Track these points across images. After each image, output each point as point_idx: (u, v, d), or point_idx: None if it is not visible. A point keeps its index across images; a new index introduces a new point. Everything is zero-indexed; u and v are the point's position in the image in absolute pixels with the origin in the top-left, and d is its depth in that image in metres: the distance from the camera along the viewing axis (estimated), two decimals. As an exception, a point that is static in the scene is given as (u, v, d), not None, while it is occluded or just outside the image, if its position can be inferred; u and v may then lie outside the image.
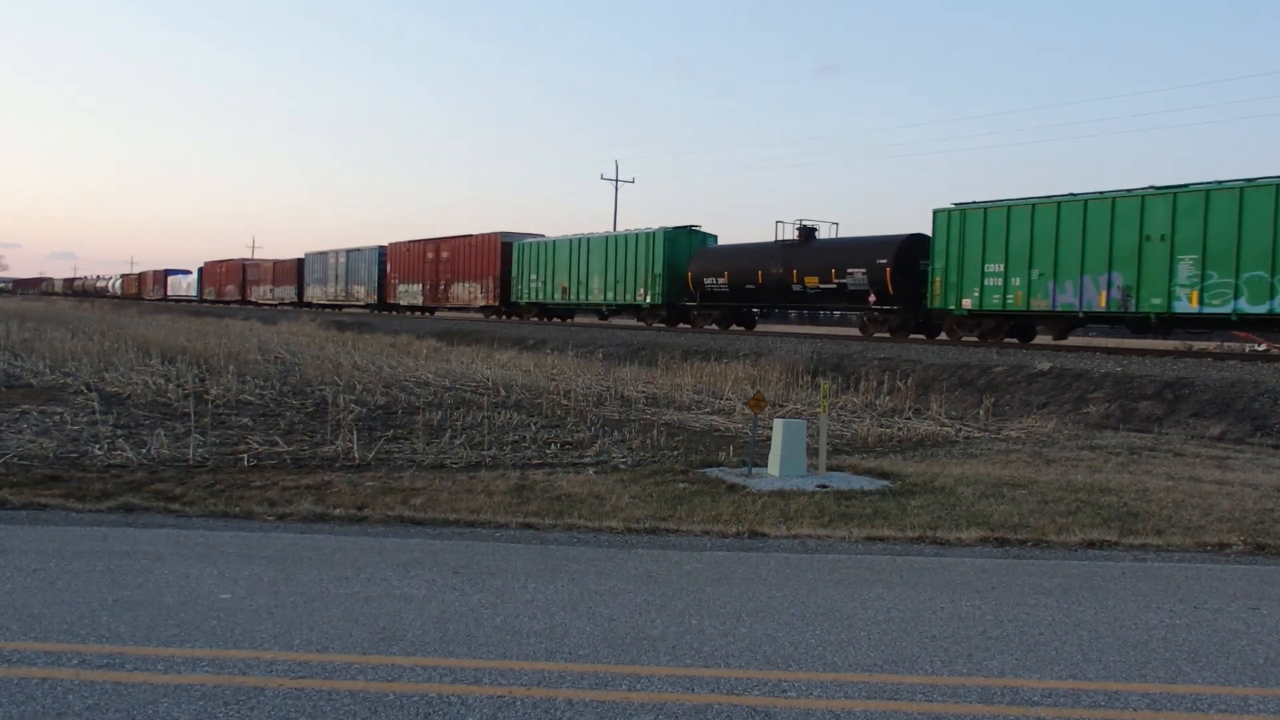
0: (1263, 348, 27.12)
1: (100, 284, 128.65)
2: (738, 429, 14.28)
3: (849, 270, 29.81)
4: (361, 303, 59.65)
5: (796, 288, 31.77)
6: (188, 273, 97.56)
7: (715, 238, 37.98)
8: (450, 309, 52.10)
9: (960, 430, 14.92)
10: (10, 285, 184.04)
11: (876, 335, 29.41)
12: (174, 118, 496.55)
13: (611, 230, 39.77)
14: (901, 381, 19.70)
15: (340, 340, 32.42)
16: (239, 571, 6.32)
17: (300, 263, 68.64)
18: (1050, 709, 4.38)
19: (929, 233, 27.79)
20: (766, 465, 10.66)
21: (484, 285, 47.04)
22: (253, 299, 76.92)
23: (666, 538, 7.74)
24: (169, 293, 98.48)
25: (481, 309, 48.23)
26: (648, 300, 37.35)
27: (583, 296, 40.80)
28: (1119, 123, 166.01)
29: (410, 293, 53.78)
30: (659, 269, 36.79)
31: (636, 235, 37.99)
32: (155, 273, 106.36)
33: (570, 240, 41.60)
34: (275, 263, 74.34)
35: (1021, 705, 4.41)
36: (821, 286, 30.91)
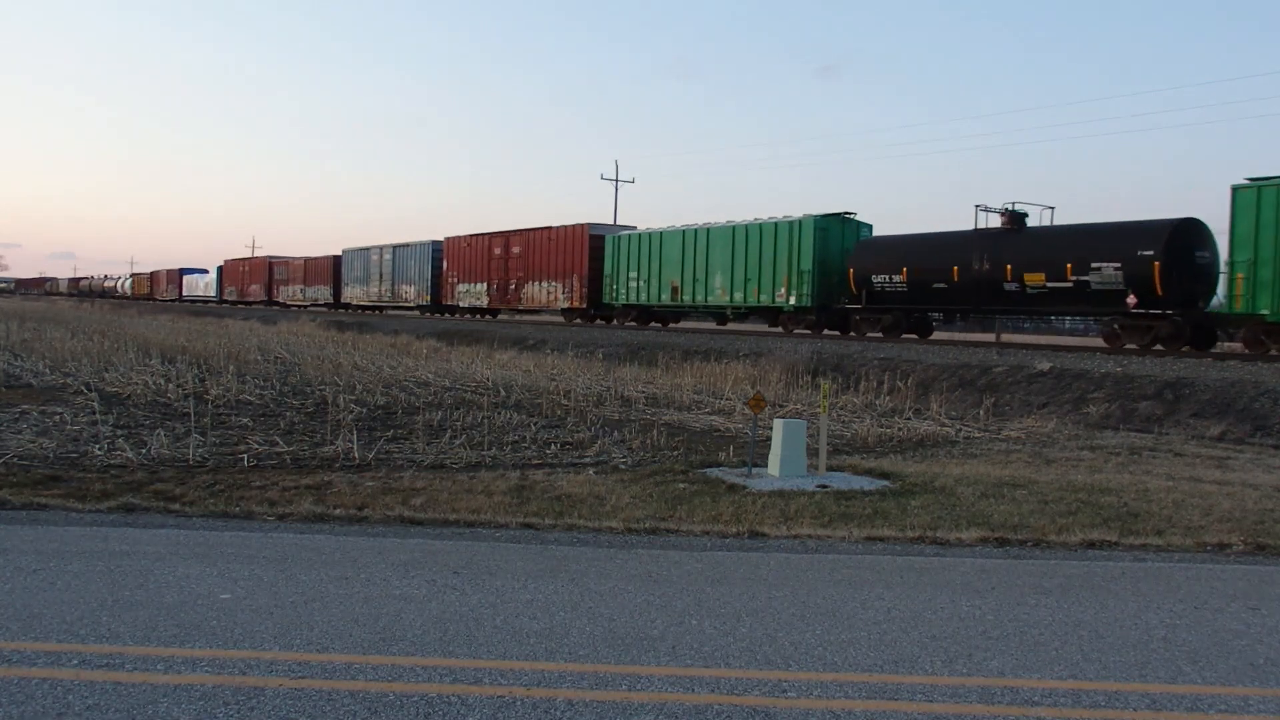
0: None
1: (108, 284, 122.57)
2: (738, 429, 14.28)
3: (1094, 265, 23.57)
4: (412, 304, 52.88)
5: (1011, 286, 25.32)
6: (204, 272, 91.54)
7: (871, 227, 31.81)
8: (523, 312, 45.77)
9: (960, 430, 14.92)
10: (12, 285, 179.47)
11: (1128, 346, 23.63)
12: (174, 118, 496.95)
13: (741, 219, 33.17)
14: (901, 381, 19.70)
15: (340, 340, 32.43)
16: (239, 571, 6.32)
17: (336, 260, 62.23)
18: (1050, 709, 4.38)
19: (1204, 217, 23.28)
20: (766, 465, 10.66)
21: (567, 285, 40.15)
22: (280, 300, 70.75)
23: (666, 538, 7.74)
24: (184, 293, 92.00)
25: (563, 312, 41.54)
26: (791, 301, 30.64)
27: (700, 297, 34.17)
28: (1119, 123, 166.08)
29: (472, 293, 46.82)
30: (807, 264, 30.07)
31: (776, 225, 31.17)
32: (169, 272, 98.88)
33: (683, 231, 34.96)
34: (307, 260, 67.65)
35: (1021, 705, 4.41)
36: (1050, 285, 24.49)
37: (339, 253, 62.38)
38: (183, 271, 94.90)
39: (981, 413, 16.92)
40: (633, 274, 37.13)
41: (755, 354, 24.42)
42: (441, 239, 50.09)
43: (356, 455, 10.94)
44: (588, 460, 11.24)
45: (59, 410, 13.92)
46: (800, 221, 30.67)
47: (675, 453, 11.90)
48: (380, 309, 57.91)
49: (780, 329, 32.16)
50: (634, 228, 39.15)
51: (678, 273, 35.15)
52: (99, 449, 10.89)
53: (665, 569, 6.74)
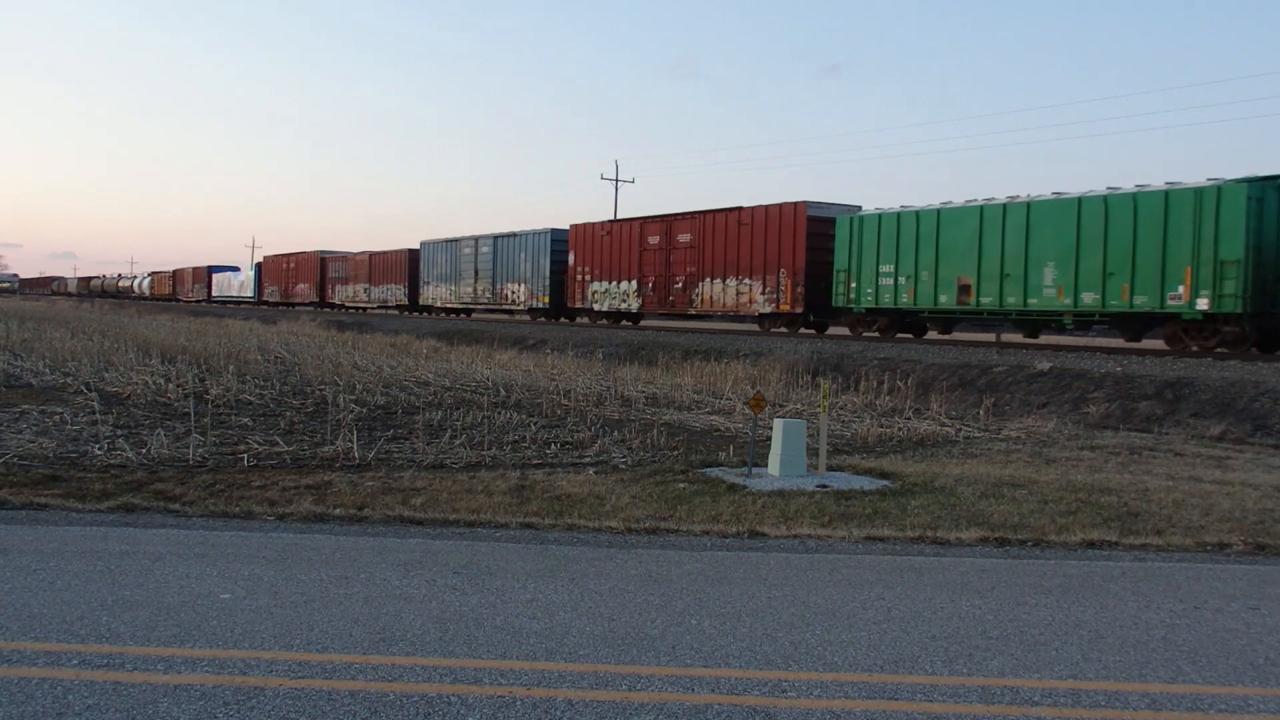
0: None
1: (123, 284, 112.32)
2: (738, 429, 14.28)
3: None
4: (521, 307, 42.94)
5: None
6: (236, 269, 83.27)
7: None
8: (693, 318, 36.21)
9: (960, 430, 14.92)
10: (16, 285, 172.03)
11: None
12: (174, 119, 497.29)
13: (1087, 190, 23.38)
14: (901, 381, 19.70)
15: (340, 340, 32.41)
16: (239, 571, 6.32)
17: (413, 255, 52.68)
18: (1050, 709, 4.38)
19: None
20: (766, 465, 10.66)
21: (769, 283, 30.29)
22: (336, 301, 61.47)
23: (666, 538, 7.74)
24: (215, 293, 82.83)
25: (762, 318, 31.41)
26: (1201, 305, 20.87)
27: (1012, 299, 24.32)
28: (1118, 123, 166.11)
29: (613, 294, 37.16)
30: (1233, 251, 20.22)
31: (1166, 194, 21.44)
32: (195, 270, 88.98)
33: (982, 207, 25.20)
34: (373, 255, 57.76)
35: (1021, 705, 4.41)
36: None
37: (415, 245, 53.17)
38: (212, 269, 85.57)
39: (981, 412, 16.92)
40: (886, 267, 27.22)
41: (755, 354, 24.42)
42: (565, 226, 40.51)
43: (356, 455, 10.94)
44: (588, 460, 11.24)
45: (59, 410, 13.92)
46: (1219, 189, 20.62)
47: (675, 453, 11.90)
48: (468, 312, 48.72)
49: (1165, 344, 22.76)
50: (858, 207, 29.72)
51: (969, 264, 25.28)
52: (99, 449, 10.89)
53: (665, 569, 6.74)
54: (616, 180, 69.88)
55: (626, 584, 6.30)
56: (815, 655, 5.00)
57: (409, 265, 53.16)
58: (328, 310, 60.21)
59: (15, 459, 10.15)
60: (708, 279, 33.04)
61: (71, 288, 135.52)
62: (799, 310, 29.86)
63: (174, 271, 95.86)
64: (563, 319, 41.80)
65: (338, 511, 8.25)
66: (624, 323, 38.65)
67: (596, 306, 38.23)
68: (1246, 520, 8.69)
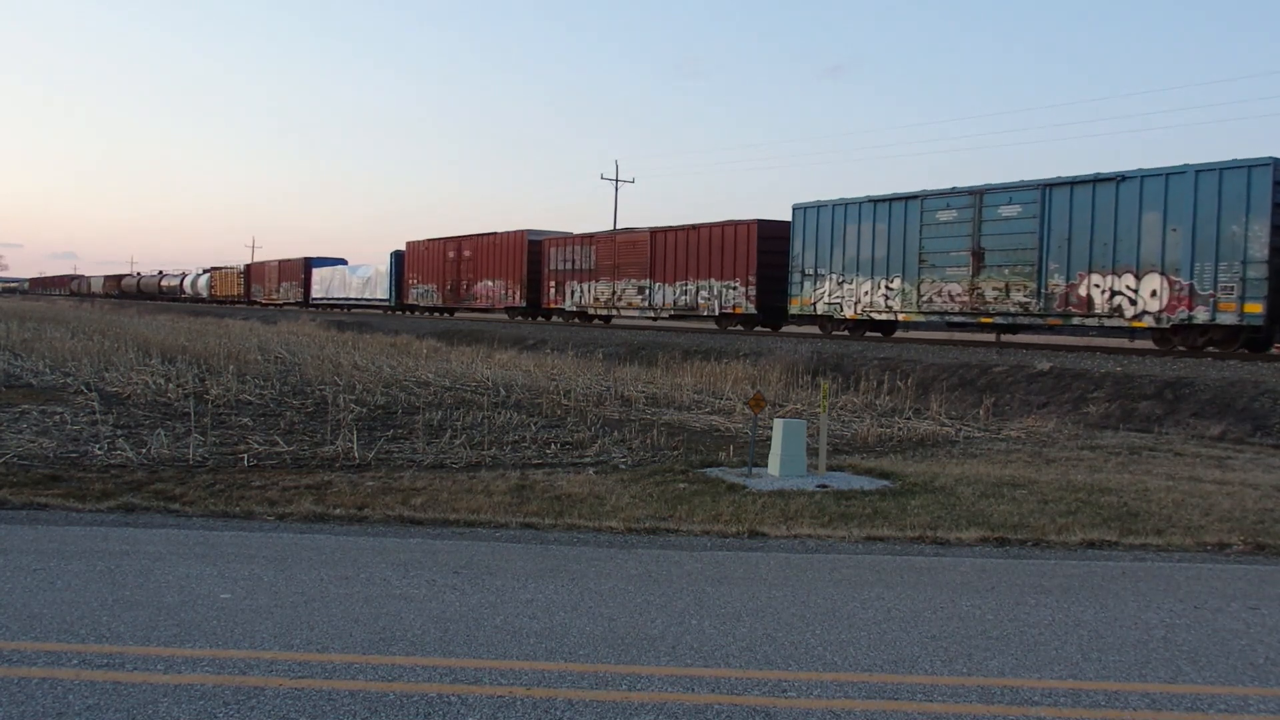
0: None
1: (169, 283, 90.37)
2: (738, 429, 14.28)
3: None
4: (1145, 321, 21.02)
5: None
6: (343, 262, 61.93)
7: None
8: None
9: (960, 430, 14.92)
10: (25, 285, 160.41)
11: None
12: (174, 120, 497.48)
13: None
14: (901, 381, 19.69)
15: (340, 340, 32.38)
16: (239, 571, 6.32)
17: (767, 229, 30.14)
18: (1050, 709, 4.38)
19: None
20: (766, 465, 10.66)
21: None
22: (565, 305, 38.40)
23: (666, 538, 7.74)
24: (315, 294, 61.39)
25: None
26: None
27: None
28: (1116, 123, 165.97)
29: None
30: None
31: None
32: (283, 264, 66.64)
33: None
34: (657, 233, 34.05)
35: (1021, 705, 4.41)
36: None
37: (749, 216, 30.57)
38: (311, 262, 63.48)
39: (981, 412, 16.91)
40: None
41: (755, 354, 24.40)
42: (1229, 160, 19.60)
43: (356, 455, 10.94)
44: (588, 460, 11.24)
45: (59, 410, 13.92)
46: None
47: (675, 452, 11.90)
48: (894, 327, 28.02)
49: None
50: None
51: None
52: (99, 449, 10.89)
53: (665, 569, 6.74)
54: (616, 180, 69.81)
55: (626, 584, 6.30)
56: (815, 655, 5.00)
57: (751, 249, 30.22)
58: (556, 321, 39.35)
59: (15, 459, 10.15)
60: None
61: (96, 287, 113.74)
62: None
63: (247, 267, 74.29)
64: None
65: (338, 511, 8.25)
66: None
67: None
68: (1246, 520, 8.69)
